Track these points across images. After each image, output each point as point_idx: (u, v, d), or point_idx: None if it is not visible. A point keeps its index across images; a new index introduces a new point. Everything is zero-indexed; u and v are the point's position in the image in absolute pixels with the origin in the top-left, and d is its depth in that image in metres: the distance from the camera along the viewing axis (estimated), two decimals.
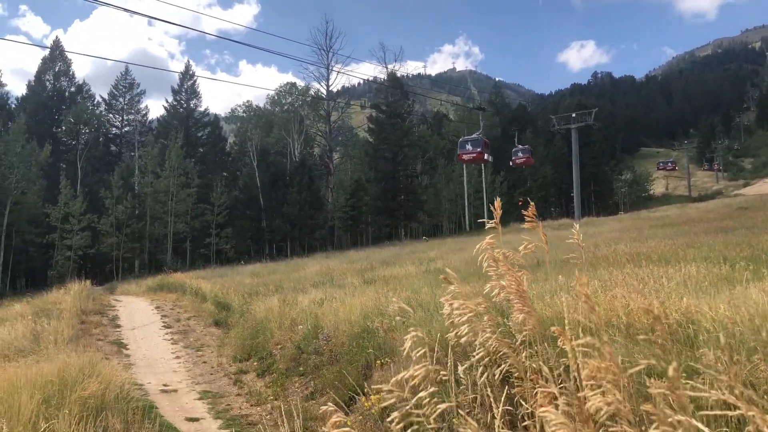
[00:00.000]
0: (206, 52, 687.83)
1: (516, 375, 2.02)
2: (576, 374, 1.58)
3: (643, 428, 1.41)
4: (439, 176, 63.72)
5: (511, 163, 52.78)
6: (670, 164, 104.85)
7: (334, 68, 59.55)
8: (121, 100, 64.35)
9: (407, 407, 1.55)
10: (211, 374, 9.69)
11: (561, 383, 1.74)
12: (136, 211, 47.56)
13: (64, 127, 58.15)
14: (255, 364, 9.79)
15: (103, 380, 6.14)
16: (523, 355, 2.07)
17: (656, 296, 4.61)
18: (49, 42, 74.21)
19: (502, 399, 1.86)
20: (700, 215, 29.92)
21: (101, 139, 61.08)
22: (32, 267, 45.89)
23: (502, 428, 1.62)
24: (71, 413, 5.04)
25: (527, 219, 2.30)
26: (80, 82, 62.48)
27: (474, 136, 42.96)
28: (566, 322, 2.37)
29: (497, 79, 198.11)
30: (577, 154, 54.63)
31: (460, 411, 1.98)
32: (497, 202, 2.33)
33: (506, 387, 2.10)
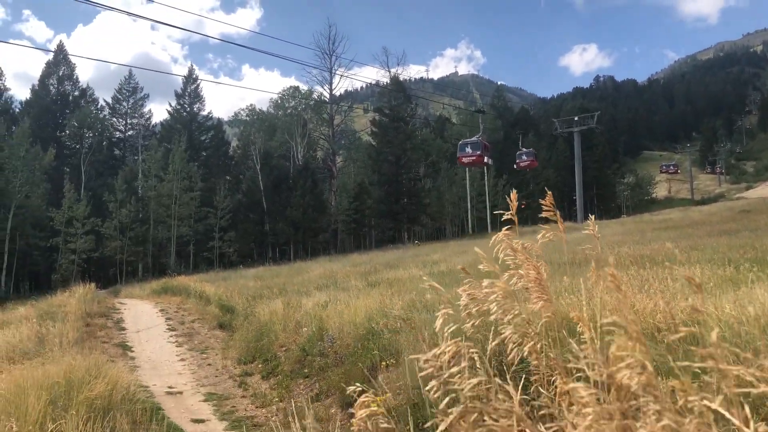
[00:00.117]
0: (209, 56, 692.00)
1: (534, 362, 2.05)
2: (599, 354, 1.62)
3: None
4: (441, 179, 63.79)
5: (515, 166, 52.63)
6: (672, 167, 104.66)
7: (337, 72, 59.61)
8: (124, 104, 64.64)
9: (444, 376, 1.62)
10: (216, 376, 9.71)
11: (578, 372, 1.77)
12: (140, 214, 47.66)
13: (67, 131, 58.51)
14: (260, 366, 9.81)
15: (110, 382, 6.18)
16: (542, 343, 2.11)
17: (661, 297, 4.63)
18: (52, 46, 74.58)
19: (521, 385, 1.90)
20: (703, 218, 29.93)
21: (105, 143, 61.42)
22: (36, 270, 46.02)
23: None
24: (78, 414, 5.07)
25: (545, 209, 2.34)
26: (84, 86, 63.01)
27: (474, 139, 42.43)
28: (584, 309, 2.42)
29: (499, 82, 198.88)
30: (580, 158, 54.74)
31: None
32: (513, 194, 2.34)
33: (524, 376, 2.14)
